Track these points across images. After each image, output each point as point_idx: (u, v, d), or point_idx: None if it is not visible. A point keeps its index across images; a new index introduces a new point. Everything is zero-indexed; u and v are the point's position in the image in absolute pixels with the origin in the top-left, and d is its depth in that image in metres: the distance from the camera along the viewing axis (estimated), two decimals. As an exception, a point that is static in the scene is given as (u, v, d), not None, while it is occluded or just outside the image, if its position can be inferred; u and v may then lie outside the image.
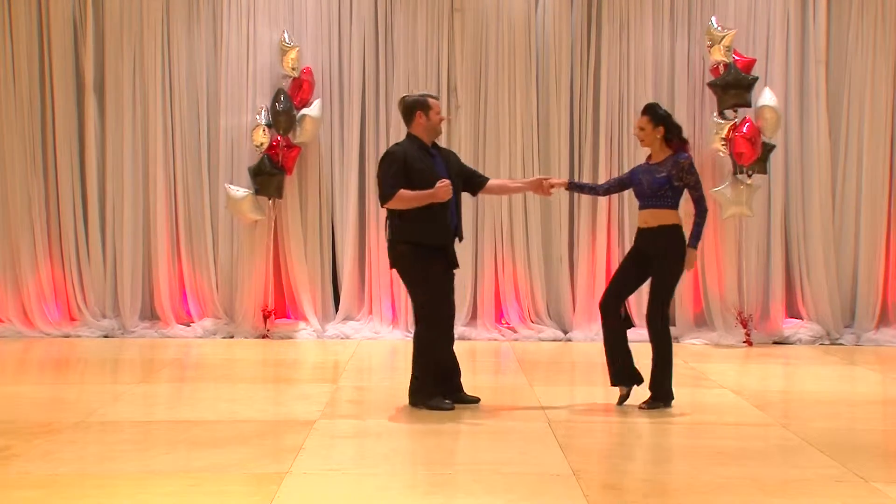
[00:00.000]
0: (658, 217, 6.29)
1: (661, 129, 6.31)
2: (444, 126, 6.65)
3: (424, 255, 6.18)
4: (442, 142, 9.59)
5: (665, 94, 9.76)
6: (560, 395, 6.87)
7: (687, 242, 6.27)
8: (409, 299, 6.72)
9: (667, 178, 6.26)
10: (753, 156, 9.15)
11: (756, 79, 9.25)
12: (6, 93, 9.54)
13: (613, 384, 6.43)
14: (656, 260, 6.29)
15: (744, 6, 9.72)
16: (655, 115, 6.34)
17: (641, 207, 6.41)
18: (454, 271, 6.37)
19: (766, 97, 9.25)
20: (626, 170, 9.65)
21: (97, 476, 4.77)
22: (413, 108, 6.36)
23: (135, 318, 9.66)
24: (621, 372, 6.38)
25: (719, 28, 9.30)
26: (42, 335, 9.46)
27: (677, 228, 6.30)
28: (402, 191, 6.13)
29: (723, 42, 9.22)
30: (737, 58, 9.28)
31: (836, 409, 6.60)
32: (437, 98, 6.60)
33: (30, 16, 9.54)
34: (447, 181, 6.13)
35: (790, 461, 5.22)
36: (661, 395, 6.31)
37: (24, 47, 9.53)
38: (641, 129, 6.37)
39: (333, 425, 5.87)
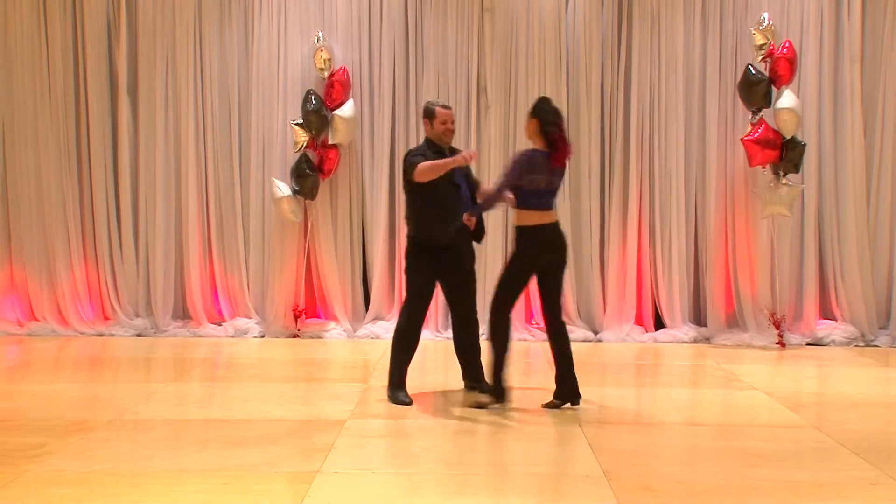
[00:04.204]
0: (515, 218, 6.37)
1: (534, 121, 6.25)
2: (452, 136, 6.68)
3: (424, 252, 6.38)
4: (472, 141, 9.67)
5: (696, 93, 9.69)
6: (590, 396, 6.84)
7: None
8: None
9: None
10: (766, 158, 9.05)
11: (765, 79, 9.12)
12: (41, 95, 9.65)
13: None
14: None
15: (777, 4, 9.61)
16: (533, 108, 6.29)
17: None
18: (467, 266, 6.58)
19: (782, 98, 9.13)
20: (656, 171, 9.70)
21: (130, 474, 4.82)
22: (424, 114, 6.61)
23: (167, 317, 9.74)
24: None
25: (756, 28, 9.24)
26: (76, 334, 9.56)
27: (519, 230, 6.26)
28: (421, 163, 6.23)
29: (754, 41, 9.18)
30: (785, 53, 9.15)
31: (871, 412, 6.52)
32: (447, 107, 6.64)
33: (64, 18, 9.64)
34: (474, 151, 6.42)
35: (823, 464, 5.17)
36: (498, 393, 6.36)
37: (58, 50, 9.63)
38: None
39: (364, 425, 5.90)
